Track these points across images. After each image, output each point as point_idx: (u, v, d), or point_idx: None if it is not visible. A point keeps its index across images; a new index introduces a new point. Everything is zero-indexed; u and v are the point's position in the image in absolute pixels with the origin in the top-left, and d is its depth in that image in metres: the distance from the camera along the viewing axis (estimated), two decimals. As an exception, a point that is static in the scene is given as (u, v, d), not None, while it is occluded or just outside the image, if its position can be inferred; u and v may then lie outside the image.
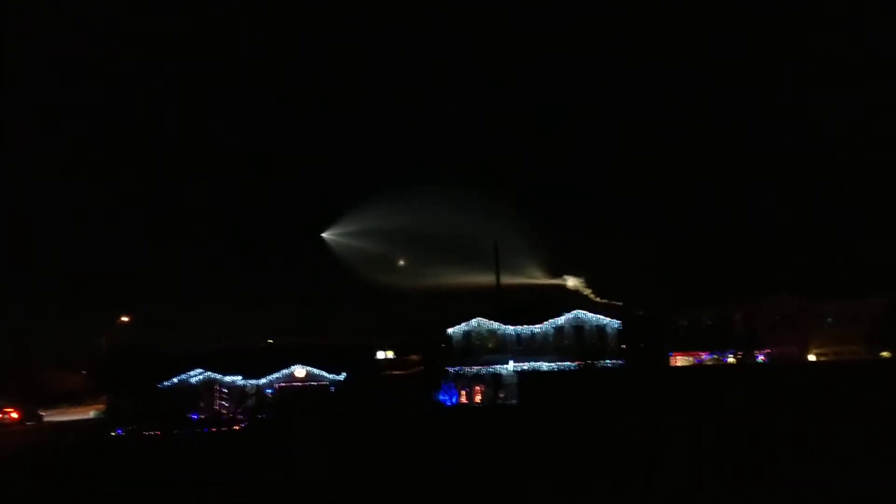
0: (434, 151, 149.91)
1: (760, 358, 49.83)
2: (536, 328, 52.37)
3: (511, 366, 49.94)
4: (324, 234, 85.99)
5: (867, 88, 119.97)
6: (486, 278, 72.22)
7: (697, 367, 49.61)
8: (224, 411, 49.03)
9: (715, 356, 50.95)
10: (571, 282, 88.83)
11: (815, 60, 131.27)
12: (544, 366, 48.58)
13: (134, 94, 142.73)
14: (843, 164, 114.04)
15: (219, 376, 51.12)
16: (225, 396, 50.83)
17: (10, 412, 56.86)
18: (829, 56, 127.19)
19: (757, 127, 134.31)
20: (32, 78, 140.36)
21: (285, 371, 51.25)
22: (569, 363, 48.31)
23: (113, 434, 41.90)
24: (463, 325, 53.16)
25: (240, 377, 51.17)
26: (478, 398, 51.04)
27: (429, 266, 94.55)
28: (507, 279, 72.30)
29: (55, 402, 71.94)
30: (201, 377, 51.06)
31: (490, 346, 52.76)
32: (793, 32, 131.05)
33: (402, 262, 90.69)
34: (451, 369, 50.61)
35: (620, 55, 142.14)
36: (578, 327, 52.34)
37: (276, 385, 51.05)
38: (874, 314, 47.63)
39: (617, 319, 52.84)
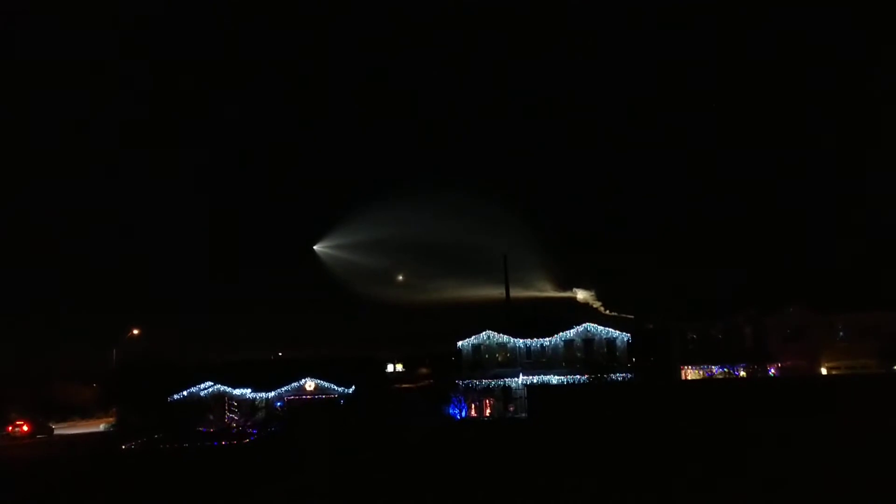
0: (442, 161, 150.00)
1: (772, 371, 49.46)
2: (546, 341, 52.25)
3: (521, 379, 49.82)
4: (319, 247, 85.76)
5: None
6: (495, 291, 72.10)
7: (709, 381, 49.21)
8: (234, 424, 49.10)
9: (725, 370, 50.61)
10: (581, 295, 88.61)
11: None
12: (554, 379, 48.42)
13: (123, 94, 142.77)
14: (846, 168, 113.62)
15: (228, 389, 51.25)
16: (234, 409, 50.91)
17: (21, 425, 57.05)
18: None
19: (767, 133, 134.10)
20: (32, 76, 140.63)
21: (295, 384, 51.31)
22: (579, 376, 48.18)
23: (123, 447, 42.01)
24: (472, 338, 53.07)
25: (249, 390, 51.26)
26: (487, 411, 50.89)
27: (438, 279, 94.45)
28: (516, 292, 72.17)
29: (66, 415, 72.16)
30: (211, 390, 51.21)
31: (500, 359, 52.66)
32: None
33: (400, 277, 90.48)
34: (460, 382, 50.51)
35: (632, 66, 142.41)
36: (588, 340, 52.21)
37: (286, 398, 51.11)
38: (887, 328, 47.20)
39: (627, 332, 52.68)
